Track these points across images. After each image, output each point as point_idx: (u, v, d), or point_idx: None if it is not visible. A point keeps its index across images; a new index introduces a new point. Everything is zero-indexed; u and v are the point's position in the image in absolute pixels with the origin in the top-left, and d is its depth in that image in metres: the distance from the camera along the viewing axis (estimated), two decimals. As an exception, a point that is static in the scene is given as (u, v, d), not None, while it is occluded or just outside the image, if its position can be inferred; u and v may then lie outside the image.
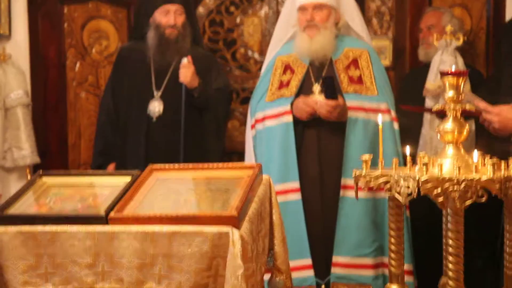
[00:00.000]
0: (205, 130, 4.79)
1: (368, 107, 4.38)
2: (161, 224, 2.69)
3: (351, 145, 4.31)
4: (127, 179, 3.08)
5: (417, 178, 2.92)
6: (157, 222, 2.70)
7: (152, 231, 2.68)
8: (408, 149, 3.19)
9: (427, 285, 4.39)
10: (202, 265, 2.65)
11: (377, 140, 4.28)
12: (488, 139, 3.97)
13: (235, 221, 2.66)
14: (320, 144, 4.42)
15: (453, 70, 3.17)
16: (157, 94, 4.77)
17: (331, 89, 4.28)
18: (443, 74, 3.13)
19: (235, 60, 5.81)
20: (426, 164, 2.98)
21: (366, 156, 3.18)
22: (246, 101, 5.52)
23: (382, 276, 4.33)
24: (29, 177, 5.17)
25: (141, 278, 2.69)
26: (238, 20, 5.80)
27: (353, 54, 4.52)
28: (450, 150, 3.14)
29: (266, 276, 3.11)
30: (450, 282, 3.00)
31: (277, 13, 5.58)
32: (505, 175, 2.93)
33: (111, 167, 4.83)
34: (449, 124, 3.13)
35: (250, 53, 5.78)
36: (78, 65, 5.69)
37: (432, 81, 4.87)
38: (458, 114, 3.13)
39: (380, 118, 3.31)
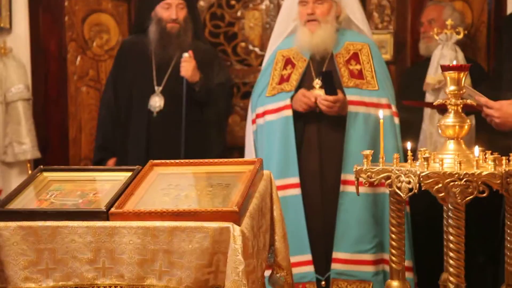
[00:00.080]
0: (206, 125, 4.79)
1: (368, 102, 4.38)
2: (162, 219, 2.69)
3: (351, 140, 4.31)
4: (128, 174, 3.07)
5: (418, 173, 2.91)
6: (158, 218, 2.70)
7: (153, 226, 2.67)
8: (409, 145, 3.18)
9: (427, 282, 4.40)
10: (203, 261, 2.65)
11: (377, 135, 4.28)
12: (488, 134, 3.96)
13: (236, 217, 2.66)
14: (320, 139, 4.42)
15: (454, 64, 3.16)
16: (158, 89, 4.77)
17: (331, 84, 4.27)
18: (444, 68, 3.12)
19: (236, 54, 5.80)
20: (427, 159, 2.97)
21: (367, 151, 3.17)
22: (247, 95, 5.52)
23: (382, 272, 4.33)
24: (29, 172, 5.21)
25: (142, 274, 2.69)
26: (239, 13, 5.79)
27: (354, 48, 4.51)
28: (451, 145, 3.13)
29: (267, 273, 3.11)
30: (451, 278, 3.00)
31: (278, 7, 5.57)
32: (506, 170, 2.92)
33: (111, 162, 4.84)
34: (450, 119, 3.12)
35: (251, 47, 5.77)
36: (79, 59, 5.68)
37: (432, 75, 4.86)
38: (459, 109, 3.13)
39: (381, 113, 3.31)
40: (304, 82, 4.46)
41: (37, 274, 2.74)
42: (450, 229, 2.99)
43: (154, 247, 2.67)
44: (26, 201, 2.95)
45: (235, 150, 5.50)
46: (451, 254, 2.99)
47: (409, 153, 3.12)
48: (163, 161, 3.17)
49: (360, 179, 3.15)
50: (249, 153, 4.65)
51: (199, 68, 4.69)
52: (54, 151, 5.65)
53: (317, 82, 4.41)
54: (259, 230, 2.89)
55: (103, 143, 4.91)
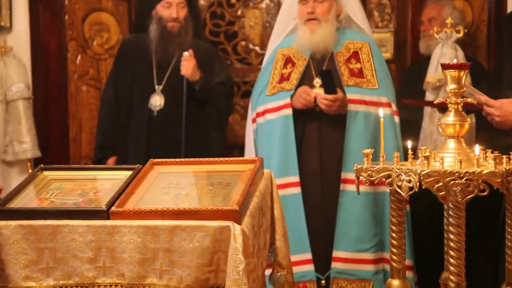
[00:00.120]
0: (207, 124, 4.79)
1: (368, 100, 4.38)
2: (162, 218, 2.69)
3: (351, 138, 4.31)
4: (129, 173, 3.07)
5: (418, 172, 2.91)
6: (159, 217, 2.69)
7: (154, 225, 2.67)
8: (409, 143, 3.18)
9: (427, 281, 4.40)
10: (204, 260, 2.65)
11: (377, 133, 4.29)
12: (488, 133, 3.96)
13: (237, 216, 2.65)
14: (320, 137, 4.42)
15: (454, 62, 3.16)
16: (158, 88, 4.77)
17: (330, 83, 4.27)
18: (445, 67, 3.12)
19: (236, 53, 5.80)
20: (427, 158, 2.97)
21: (368, 150, 3.17)
22: (247, 94, 5.52)
23: (382, 271, 4.33)
24: (30, 171, 5.22)
25: (142, 273, 2.69)
26: (239, 12, 5.79)
27: (354, 47, 4.51)
28: (451, 143, 3.13)
29: (267, 272, 3.11)
30: (452, 277, 3.00)
31: (278, 6, 5.57)
32: (507, 169, 2.92)
33: (111, 160, 4.84)
34: (450, 118, 3.12)
35: (251, 46, 5.77)
36: (79, 58, 5.68)
37: (432, 74, 4.86)
38: (460, 107, 3.12)
39: (381, 112, 3.31)
40: (304, 81, 4.46)
41: (37, 273, 2.74)
42: (451, 228, 2.99)
43: (154, 246, 2.67)
44: (27, 200, 2.95)
45: (236, 149, 5.50)
46: (451, 253, 2.99)
47: (410, 151, 3.12)
48: (163, 160, 3.17)
49: (361, 177, 3.15)
50: (249, 152, 4.65)
51: (200, 67, 4.69)
52: (54, 150, 5.65)
53: (317, 81, 4.41)
54: (260, 229, 2.88)
55: (103, 142, 4.91)
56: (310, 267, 4.30)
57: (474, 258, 3.89)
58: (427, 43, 5.12)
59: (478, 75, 4.68)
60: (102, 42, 5.70)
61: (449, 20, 4.88)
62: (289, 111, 4.39)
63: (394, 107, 4.43)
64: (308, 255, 4.30)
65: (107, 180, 3.08)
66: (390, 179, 3.07)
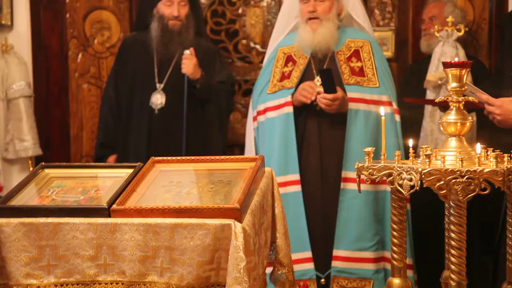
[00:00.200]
0: (208, 123, 4.79)
1: (369, 99, 4.38)
2: (163, 216, 2.69)
3: (351, 137, 4.31)
4: (130, 171, 3.07)
5: (420, 170, 2.91)
6: (159, 215, 2.70)
7: (155, 223, 2.67)
8: (411, 142, 3.18)
9: (427, 280, 4.40)
10: (204, 258, 2.65)
11: (378, 132, 4.30)
12: (489, 132, 3.96)
13: (238, 214, 2.66)
14: (321, 136, 4.42)
15: (456, 61, 3.16)
16: (159, 86, 4.77)
17: (329, 82, 4.26)
18: (446, 65, 3.11)
19: (237, 52, 5.79)
20: (429, 156, 2.97)
21: (369, 148, 3.17)
22: (248, 93, 5.52)
23: (383, 270, 4.33)
24: (31, 168, 5.22)
25: (143, 270, 2.70)
26: (240, 11, 5.79)
27: (355, 45, 4.51)
28: (453, 142, 3.13)
29: (268, 270, 3.11)
30: (453, 276, 3.00)
31: (279, 4, 5.57)
32: (508, 167, 2.92)
33: (112, 158, 4.84)
34: (452, 116, 3.12)
35: (252, 44, 5.77)
36: (80, 56, 5.68)
37: (433, 73, 4.86)
38: (461, 106, 3.12)
39: (382, 110, 3.31)
40: (305, 80, 4.46)
41: (38, 270, 2.75)
42: (452, 227, 2.99)
43: (155, 243, 2.68)
44: (28, 198, 2.95)
45: (236, 147, 5.50)
46: (452, 251, 2.99)
47: (411, 150, 3.12)
48: (164, 158, 3.17)
49: (362, 176, 3.15)
50: (249, 150, 4.65)
51: (201, 65, 4.69)
52: (55, 148, 5.66)
53: (318, 79, 4.41)
54: (261, 227, 2.89)
55: (104, 140, 4.91)
56: (310, 266, 4.30)
57: (475, 257, 3.90)
58: (428, 42, 5.11)
59: (479, 74, 4.67)
60: (103, 40, 5.70)
61: (450, 19, 4.88)
62: (290, 109, 4.39)
63: (394, 105, 4.42)
64: (308, 253, 4.30)
65: (108, 178, 3.08)
66: (391, 178, 3.07)
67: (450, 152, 3.06)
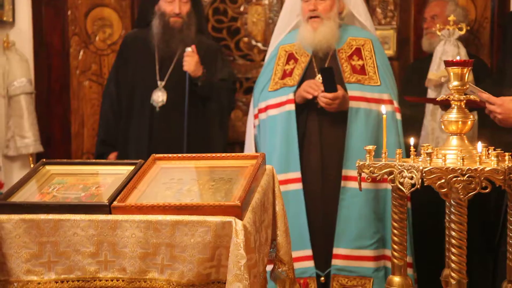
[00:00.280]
0: (209, 120, 4.79)
1: (370, 97, 4.38)
2: (164, 213, 2.69)
3: (352, 135, 4.31)
4: (131, 168, 3.07)
5: (421, 169, 2.91)
6: (160, 212, 2.70)
7: (155, 220, 2.68)
8: (412, 140, 3.18)
9: (426, 278, 4.40)
10: (205, 255, 2.65)
11: (378, 130, 4.30)
12: (490, 130, 3.96)
13: (238, 211, 2.66)
14: (322, 134, 4.42)
15: (457, 59, 3.16)
16: (160, 83, 4.77)
17: (330, 81, 4.26)
18: (448, 63, 3.11)
19: (239, 49, 5.79)
20: (430, 155, 2.97)
21: (370, 147, 3.17)
22: (249, 91, 5.51)
23: (383, 269, 4.33)
24: (32, 165, 5.22)
25: (144, 267, 2.70)
26: (242, 8, 5.78)
27: (356, 44, 4.50)
28: (454, 140, 3.12)
29: (269, 267, 3.11)
30: (453, 274, 2.99)
31: (281, 2, 5.56)
32: (509, 166, 2.92)
33: (112, 155, 4.84)
34: (453, 115, 3.12)
35: (253, 42, 5.76)
36: (81, 53, 5.68)
37: (434, 72, 4.85)
38: (463, 104, 3.12)
39: (383, 108, 3.30)
40: (307, 77, 4.46)
41: (39, 267, 2.75)
42: (452, 225, 2.99)
43: (156, 240, 2.68)
44: (29, 194, 2.95)
45: (237, 145, 5.50)
46: (453, 250, 2.99)
47: (412, 148, 3.12)
48: (165, 155, 3.17)
49: (363, 174, 3.15)
50: (249, 148, 4.65)
51: (202, 63, 4.68)
52: (56, 145, 5.66)
53: (319, 77, 4.41)
54: (261, 225, 2.89)
55: (105, 137, 4.91)
56: (310, 264, 4.30)
57: (475, 255, 3.90)
58: (430, 41, 5.11)
59: (481, 73, 4.67)
60: (104, 38, 5.70)
61: (451, 18, 4.88)
62: (291, 107, 4.39)
63: (395, 104, 4.42)
64: (309, 251, 4.30)
65: (109, 175, 3.08)
66: (392, 176, 3.07)
67: (451, 151, 3.06)
